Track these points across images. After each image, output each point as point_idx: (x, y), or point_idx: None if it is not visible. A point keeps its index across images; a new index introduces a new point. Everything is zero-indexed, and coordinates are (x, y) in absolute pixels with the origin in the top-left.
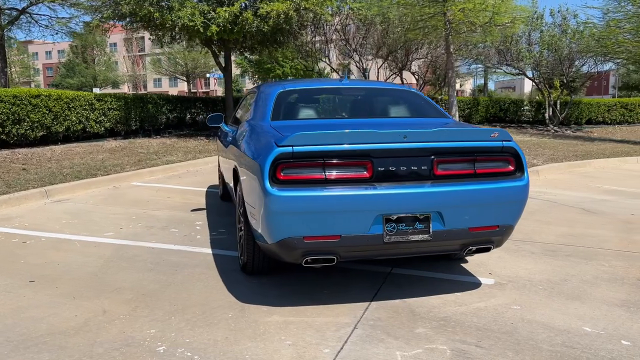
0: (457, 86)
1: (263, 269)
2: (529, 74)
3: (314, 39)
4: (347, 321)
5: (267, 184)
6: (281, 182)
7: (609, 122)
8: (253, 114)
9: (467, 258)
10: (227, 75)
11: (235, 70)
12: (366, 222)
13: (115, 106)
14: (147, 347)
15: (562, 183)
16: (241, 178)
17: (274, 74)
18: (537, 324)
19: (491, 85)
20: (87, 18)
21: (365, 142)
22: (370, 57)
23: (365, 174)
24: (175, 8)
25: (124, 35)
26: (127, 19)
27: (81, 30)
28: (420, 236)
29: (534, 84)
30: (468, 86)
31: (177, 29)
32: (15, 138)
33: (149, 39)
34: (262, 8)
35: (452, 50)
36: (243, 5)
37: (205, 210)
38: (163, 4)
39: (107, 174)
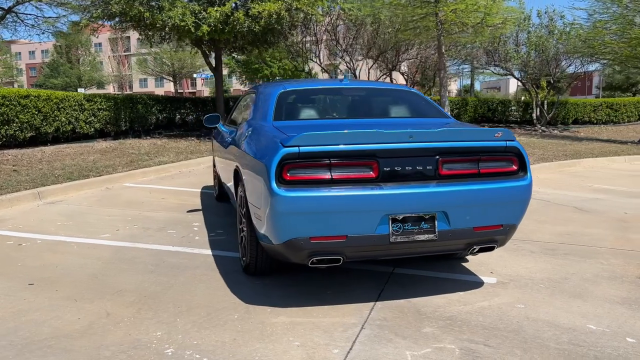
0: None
1: (266, 270)
2: (517, 74)
3: (304, 39)
4: (353, 321)
5: (274, 185)
6: (287, 183)
7: (595, 122)
8: (253, 114)
9: (468, 257)
10: (217, 76)
11: (223, 71)
12: (372, 222)
13: (105, 107)
14: (155, 350)
15: (554, 182)
16: (244, 179)
17: (262, 74)
18: (542, 322)
19: (477, 86)
20: (75, 17)
21: (371, 142)
22: (360, 58)
23: (371, 174)
24: (165, 8)
25: (110, 34)
26: (117, 19)
27: (68, 30)
28: (426, 236)
29: (519, 84)
30: (454, 86)
31: (167, 28)
32: (4, 139)
33: (138, 39)
34: (254, 8)
35: (443, 50)
36: (234, 5)
37: (201, 211)
38: (153, 3)
39: (100, 175)
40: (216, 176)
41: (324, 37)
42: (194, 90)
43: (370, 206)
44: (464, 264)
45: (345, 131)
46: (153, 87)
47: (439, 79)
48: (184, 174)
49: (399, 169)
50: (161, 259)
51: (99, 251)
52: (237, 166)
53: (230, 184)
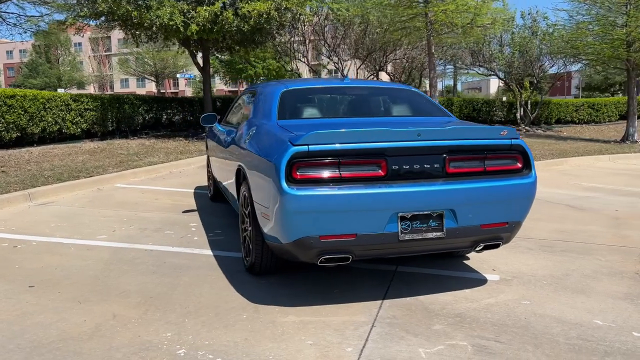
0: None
1: (271, 269)
2: (501, 74)
3: (292, 39)
4: (363, 320)
5: (284, 184)
6: (297, 182)
7: (577, 121)
8: (255, 114)
9: (468, 255)
10: (205, 76)
11: None
12: (382, 220)
13: (91, 107)
14: (167, 351)
15: (543, 180)
16: (249, 178)
17: (246, 74)
18: (549, 318)
19: (458, 87)
20: (60, 16)
21: (380, 141)
22: (347, 58)
23: (380, 172)
24: (153, 7)
25: (90, 34)
26: (103, 18)
27: (50, 29)
28: (434, 234)
29: (500, 84)
30: (438, 87)
31: (154, 28)
32: None
33: (119, 39)
34: (243, 8)
35: (433, 51)
36: (223, 4)
37: (196, 212)
38: (141, 2)
39: (90, 176)
40: (211, 176)
41: (312, 37)
42: (176, 91)
43: (379, 204)
44: (465, 261)
45: (354, 129)
46: (135, 87)
47: (428, 79)
48: (175, 174)
49: (407, 167)
50: (162, 260)
51: (97, 252)
52: (240, 165)
53: (227, 182)
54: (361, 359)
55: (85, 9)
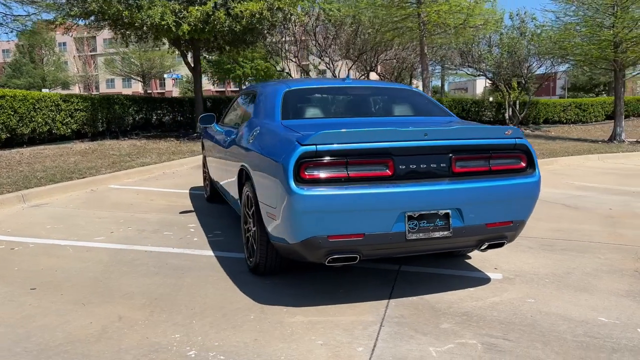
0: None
1: (276, 270)
2: (489, 75)
3: (283, 40)
4: (372, 319)
5: (292, 184)
6: (305, 182)
7: (565, 121)
8: (256, 114)
9: (470, 254)
10: (196, 75)
11: None
12: (389, 219)
13: (81, 107)
14: (177, 352)
15: None
16: (254, 178)
17: (234, 74)
18: (555, 316)
19: (445, 87)
20: (48, 16)
21: (387, 140)
22: (337, 59)
23: (387, 172)
24: (144, 7)
25: (75, 34)
26: (93, 17)
27: (36, 28)
28: (441, 233)
29: (486, 85)
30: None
31: (145, 27)
32: None
33: (111, 38)
34: (236, 8)
35: (426, 51)
36: (215, 4)
37: (194, 212)
38: (132, 2)
39: (83, 177)
40: (207, 177)
41: (303, 37)
42: (163, 91)
43: (387, 204)
44: (467, 260)
45: (362, 129)
46: (121, 88)
47: (420, 80)
48: (168, 175)
49: (414, 166)
50: (163, 261)
51: (96, 254)
52: (243, 166)
53: (228, 183)
54: (373, 359)
55: (76, 8)
